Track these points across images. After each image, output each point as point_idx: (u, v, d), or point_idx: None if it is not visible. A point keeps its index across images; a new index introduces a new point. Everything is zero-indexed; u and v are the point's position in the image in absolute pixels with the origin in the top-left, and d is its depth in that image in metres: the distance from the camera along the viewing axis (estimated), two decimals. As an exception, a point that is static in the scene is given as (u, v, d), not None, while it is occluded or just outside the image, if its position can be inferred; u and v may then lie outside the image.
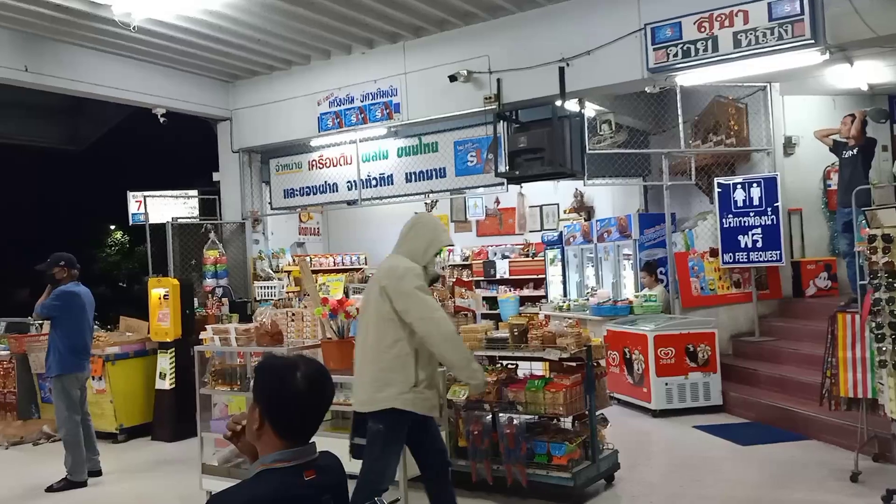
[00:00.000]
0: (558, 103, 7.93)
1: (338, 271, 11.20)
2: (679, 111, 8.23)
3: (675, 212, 9.07)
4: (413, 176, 9.62)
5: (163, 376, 7.80)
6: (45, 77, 8.65)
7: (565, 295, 10.03)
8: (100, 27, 8.21)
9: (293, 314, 6.98)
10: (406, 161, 9.69)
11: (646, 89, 8.02)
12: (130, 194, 10.43)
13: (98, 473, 6.47)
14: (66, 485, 6.19)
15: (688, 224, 9.20)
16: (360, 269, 11.45)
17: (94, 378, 7.39)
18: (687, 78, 7.74)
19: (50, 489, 6.15)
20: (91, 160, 18.58)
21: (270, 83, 10.20)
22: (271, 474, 1.93)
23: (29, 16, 7.85)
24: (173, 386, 7.74)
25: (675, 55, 7.29)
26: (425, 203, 10.31)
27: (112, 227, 27.12)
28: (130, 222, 10.53)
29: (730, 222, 8.24)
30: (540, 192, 10.62)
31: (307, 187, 10.55)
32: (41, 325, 8.85)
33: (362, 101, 9.44)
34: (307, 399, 1.98)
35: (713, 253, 8.45)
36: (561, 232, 10.24)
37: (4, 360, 8.44)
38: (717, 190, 8.30)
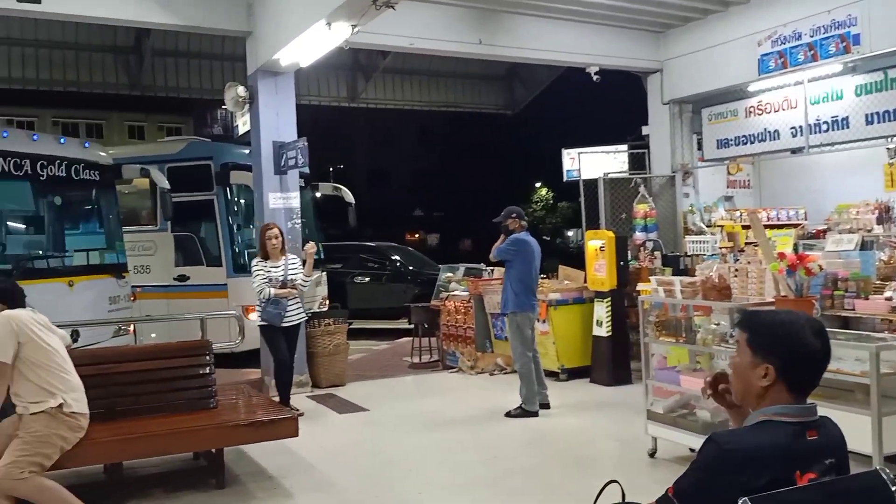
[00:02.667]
0: None
1: (772, 227, 10.36)
2: None
3: None
4: (875, 117, 8.32)
5: (599, 324, 8.18)
6: (495, 48, 9.56)
7: None
8: (542, -7, 8.74)
9: (736, 269, 6.67)
10: (866, 100, 8.41)
11: None
12: (565, 152, 11.07)
13: (547, 406, 7.10)
14: (521, 412, 6.93)
15: None
16: (800, 224, 10.41)
17: (539, 320, 8.07)
18: None
19: (508, 414, 6.95)
20: (523, 122, 20.21)
21: (704, 28, 9.76)
22: (775, 426, 1.91)
23: (483, -9, 8.73)
24: (609, 334, 8.08)
25: None
26: (887, 148, 8.88)
27: (537, 185, 29.41)
28: (565, 178, 11.21)
29: None
30: None
31: (743, 136, 9.91)
32: (492, 270, 9.99)
33: (812, 37, 8.44)
34: (820, 354, 1.95)
35: None
36: None
37: (465, 300, 9.73)
38: None
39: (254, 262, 7.11)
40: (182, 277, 10.66)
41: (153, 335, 9.93)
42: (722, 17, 9.53)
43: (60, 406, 4.23)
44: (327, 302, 11.95)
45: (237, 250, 10.56)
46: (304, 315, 7.21)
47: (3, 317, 4.24)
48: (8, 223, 8.12)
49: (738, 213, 10.48)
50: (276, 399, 6.87)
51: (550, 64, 10.64)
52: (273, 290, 6.85)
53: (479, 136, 30.63)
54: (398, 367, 10.02)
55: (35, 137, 8.37)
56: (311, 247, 7.17)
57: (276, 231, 7.00)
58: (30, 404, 4.19)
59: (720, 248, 9.03)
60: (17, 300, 4.44)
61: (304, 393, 8.18)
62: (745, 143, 9.90)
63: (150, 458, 5.37)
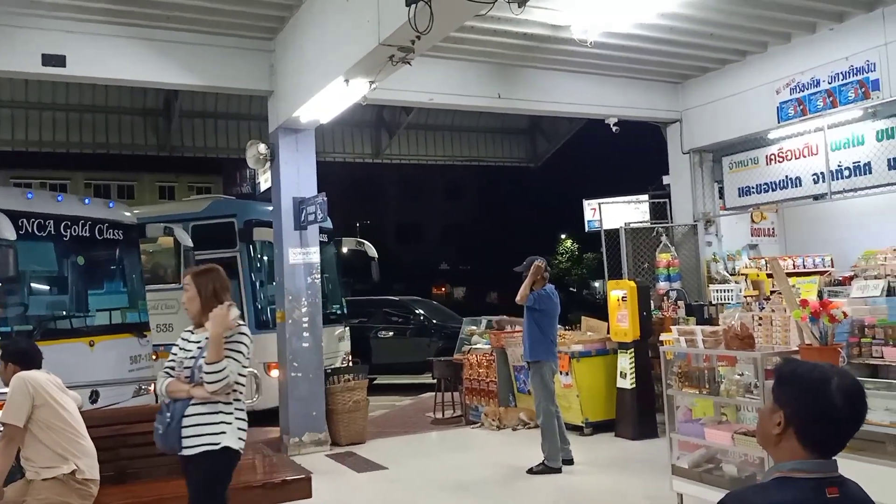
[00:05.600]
0: None
1: (798, 274, 10.15)
2: None
3: None
4: (899, 162, 8.20)
5: (623, 375, 8.00)
6: (514, 101, 9.63)
7: None
8: (558, 48, 8.82)
9: (760, 318, 6.51)
10: (888, 145, 8.25)
11: None
12: (586, 202, 11.04)
13: (570, 462, 6.90)
14: (544, 469, 6.73)
15: None
16: (827, 271, 10.19)
17: (561, 373, 7.92)
18: None
19: (531, 471, 6.75)
20: (546, 175, 20.32)
21: (722, 78, 9.77)
22: (790, 482, 1.81)
23: (502, 48, 8.83)
24: (634, 386, 7.88)
25: None
26: (913, 194, 8.70)
27: (563, 237, 29.35)
28: (586, 229, 11.15)
29: None
30: None
31: (765, 184, 9.79)
32: (514, 325, 9.86)
33: (830, 83, 8.40)
34: (842, 414, 1.83)
35: None
36: None
37: (487, 353, 9.60)
38: None
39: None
40: (205, 335, 10.67)
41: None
42: (739, 66, 9.55)
43: (73, 473, 4.07)
44: (350, 358, 11.88)
45: (260, 307, 10.58)
46: (209, 443, 3.75)
47: (18, 378, 4.11)
48: (31, 283, 8.22)
49: (762, 262, 10.31)
50: None
51: (569, 116, 10.73)
52: (166, 384, 3.87)
53: (503, 190, 30.89)
54: (421, 422, 9.85)
55: (59, 198, 8.54)
56: (219, 312, 3.77)
57: (186, 279, 4.01)
58: (41, 469, 4.05)
59: (745, 296, 8.85)
60: (33, 361, 4.31)
61: (323, 452, 8.05)
62: (767, 191, 9.78)
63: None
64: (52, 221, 8.09)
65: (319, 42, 7.25)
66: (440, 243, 37.86)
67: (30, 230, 7.79)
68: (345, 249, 12.81)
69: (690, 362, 5.69)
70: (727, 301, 8.76)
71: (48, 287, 8.59)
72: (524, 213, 31.44)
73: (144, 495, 4.70)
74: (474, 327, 10.87)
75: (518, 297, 6.98)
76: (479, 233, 34.50)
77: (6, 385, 4.22)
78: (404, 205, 37.59)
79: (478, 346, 10.06)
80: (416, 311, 14.62)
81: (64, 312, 8.51)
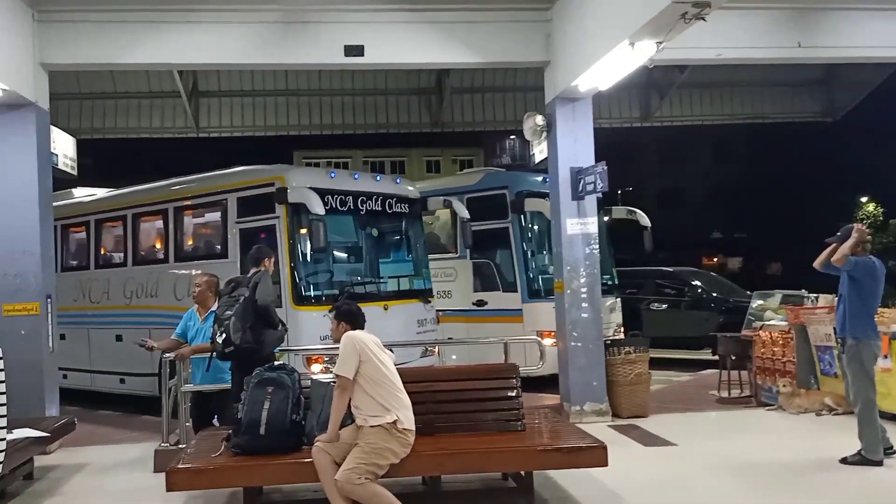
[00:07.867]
0: None
1: None
2: None
3: None
4: None
5: (963, 361, 6.82)
6: (817, 49, 8.53)
7: None
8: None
9: None
10: None
11: None
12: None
13: (891, 451, 6.09)
14: (861, 460, 6.01)
15: None
16: None
17: (881, 355, 6.96)
18: None
19: (844, 461, 6.06)
20: (843, 130, 18.02)
21: None
22: None
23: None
24: (978, 374, 6.69)
25: None
26: None
27: (863, 200, 25.86)
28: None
29: None
30: None
31: None
32: (817, 297, 8.90)
33: None
34: None
35: None
36: None
37: (783, 330, 8.75)
38: None
39: None
40: (480, 302, 11.12)
41: (454, 357, 10.44)
42: None
43: (395, 422, 4.57)
44: (622, 329, 11.63)
45: (532, 276, 10.74)
46: None
47: (348, 337, 4.70)
48: (335, 253, 9.10)
49: None
50: None
51: (886, 62, 9.23)
52: None
53: (787, 149, 27.84)
54: (704, 400, 9.33)
55: (356, 176, 9.33)
56: None
57: None
58: (369, 417, 4.59)
59: None
60: (359, 322, 4.89)
61: (605, 422, 7.95)
62: None
63: (464, 474, 5.54)
64: (350, 197, 8.91)
65: (602, 6, 7.01)
66: (709, 210, 35.44)
67: (334, 205, 8.64)
68: (612, 218, 12.48)
69: None
70: None
71: (349, 256, 9.46)
72: (812, 174, 28.04)
73: (450, 447, 4.97)
74: (765, 301, 9.98)
75: (835, 258, 6.16)
76: (756, 198, 31.58)
77: (336, 342, 4.74)
78: (669, 169, 35.82)
79: (772, 321, 9.22)
80: (693, 283, 13.86)
81: (361, 279, 9.32)
